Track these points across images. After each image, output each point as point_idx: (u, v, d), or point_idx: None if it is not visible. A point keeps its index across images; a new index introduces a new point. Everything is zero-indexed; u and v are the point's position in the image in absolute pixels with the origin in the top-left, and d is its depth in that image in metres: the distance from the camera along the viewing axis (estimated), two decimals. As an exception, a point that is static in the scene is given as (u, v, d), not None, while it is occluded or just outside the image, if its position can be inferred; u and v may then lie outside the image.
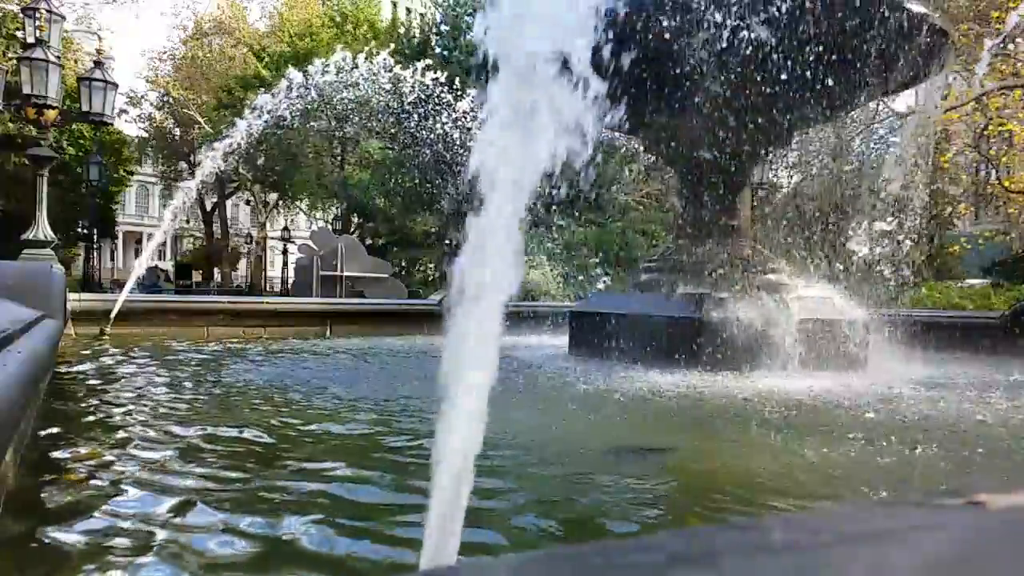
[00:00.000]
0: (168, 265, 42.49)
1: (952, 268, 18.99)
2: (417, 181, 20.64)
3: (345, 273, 18.18)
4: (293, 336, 8.97)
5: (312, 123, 22.16)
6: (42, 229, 8.76)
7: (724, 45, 5.03)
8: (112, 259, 44.16)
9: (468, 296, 1.32)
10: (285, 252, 34.75)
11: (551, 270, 16.04)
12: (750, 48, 5.06)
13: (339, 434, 3.26)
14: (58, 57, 9.19)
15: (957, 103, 13.23)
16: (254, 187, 33.94)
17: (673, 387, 4.79)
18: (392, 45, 20.15)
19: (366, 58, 10.08)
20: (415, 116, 11.95)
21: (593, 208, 20.61)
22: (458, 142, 11.78)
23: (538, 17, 1.58)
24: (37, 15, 8.94)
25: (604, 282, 16.56)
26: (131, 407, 3.80)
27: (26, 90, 8.85)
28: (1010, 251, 19.06)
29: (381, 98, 11.53)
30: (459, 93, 11.30)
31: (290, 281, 27.09)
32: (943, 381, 5.19)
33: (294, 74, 9.48)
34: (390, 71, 10.46)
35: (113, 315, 8.16)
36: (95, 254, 24.04)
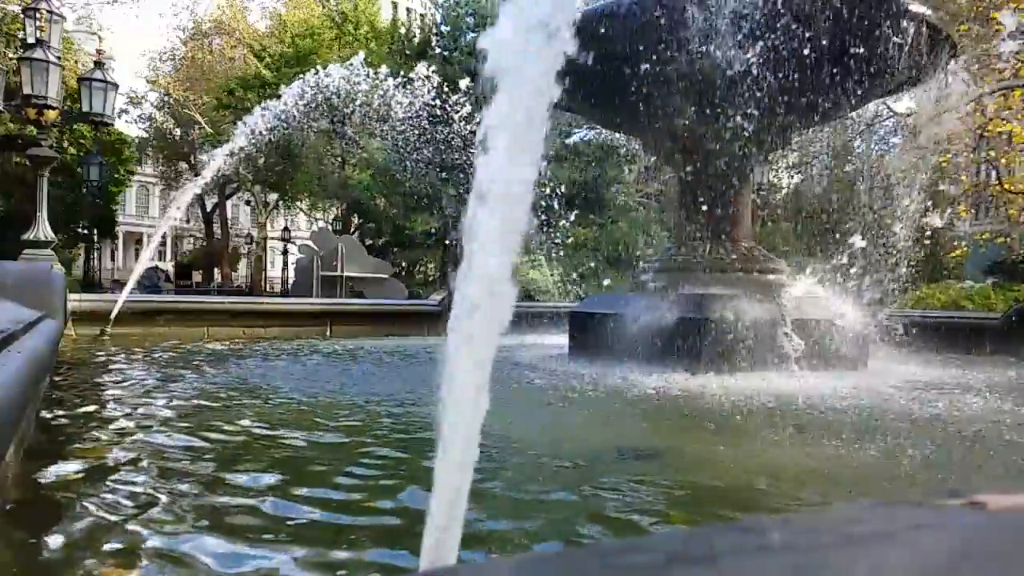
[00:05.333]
0: (168, 265, 42.44)
1: (952, 268, 18.97)
2: (414, 180, 20.59)
3: (345, 273, 18.17)
4: (294, 336, 8.97)
5: (313, 123, 22.10)
6: (42, 229, 8.75)
7: (724, 43, 5.03)
8: (112, 259, 44.14)
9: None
10: (285, 252, 34.67)
11: (551, 270, 16.02)
12: (751, 49, 5.06)
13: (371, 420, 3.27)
14: (58, 57, 9.19)
15: (957, 104, 13.21)
16: (254, 187, 33.88)
17: (673, 387, 4.79)
18: (391, 45, 20.06)
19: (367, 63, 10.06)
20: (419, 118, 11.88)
21: (593, 208, 20.60)
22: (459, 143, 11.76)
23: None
24: (37, 15, 8.94)
25: (604, 282, 16.54)
26: (131, 407, 3.80)
27: (26, 90, 8.84)
28: (1010, 252, 19.02)
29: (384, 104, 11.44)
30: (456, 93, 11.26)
31: (290, 281, 27.05)
32: (942, 382, 5.19)
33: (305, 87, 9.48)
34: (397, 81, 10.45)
35: (113, 315, 8.16)
36: (95, 254, 24.05)
